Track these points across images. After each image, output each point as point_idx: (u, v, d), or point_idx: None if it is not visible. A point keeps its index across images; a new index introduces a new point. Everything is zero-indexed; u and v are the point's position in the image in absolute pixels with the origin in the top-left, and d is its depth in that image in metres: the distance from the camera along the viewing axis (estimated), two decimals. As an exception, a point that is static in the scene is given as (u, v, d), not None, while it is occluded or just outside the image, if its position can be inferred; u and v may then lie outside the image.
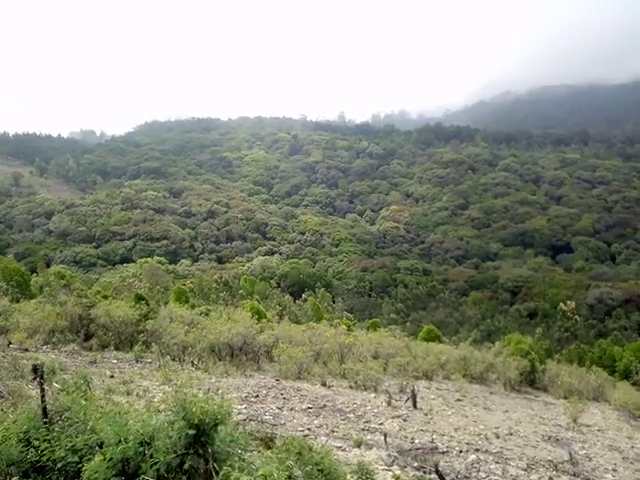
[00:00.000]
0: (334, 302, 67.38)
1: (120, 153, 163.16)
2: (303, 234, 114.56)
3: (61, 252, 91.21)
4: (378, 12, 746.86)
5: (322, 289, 68.82)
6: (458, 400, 15.78)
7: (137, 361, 16.98)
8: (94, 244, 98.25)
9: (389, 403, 13.21)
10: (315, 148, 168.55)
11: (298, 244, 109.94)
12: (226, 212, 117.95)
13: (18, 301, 28.29)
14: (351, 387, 15.64)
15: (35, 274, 50.31)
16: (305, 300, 56.89)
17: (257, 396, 12.87)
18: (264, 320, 27.87)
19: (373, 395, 14.50)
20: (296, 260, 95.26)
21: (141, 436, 4.85)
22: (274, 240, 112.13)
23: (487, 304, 78.07)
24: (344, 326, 27.63)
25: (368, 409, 12.65)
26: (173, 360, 18.24)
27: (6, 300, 25.68)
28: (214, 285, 53.07)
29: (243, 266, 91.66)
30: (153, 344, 19.54)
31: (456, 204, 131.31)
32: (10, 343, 17.64)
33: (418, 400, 13.41)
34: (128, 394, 10.63)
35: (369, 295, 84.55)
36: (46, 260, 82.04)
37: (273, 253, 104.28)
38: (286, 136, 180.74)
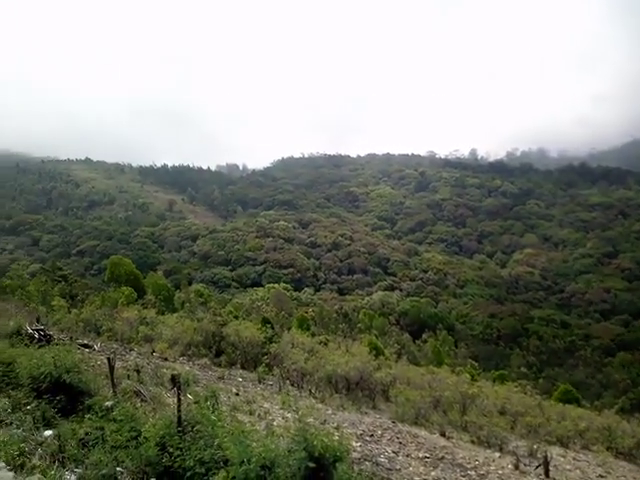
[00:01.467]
0: (456, 347, 63.70)
1: (258, 186, 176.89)
2: (426, 272, 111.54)
3: (202, 272, 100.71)
4: (513, 40, 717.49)
5: (444, 332, 65.62)
6: (601, 477, 13.56)
7: (260, 382, 17.61)
8: (230, 267, 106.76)
9: (516, 467, 11.83)
10: (443, 185, 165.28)
11: (420, 282, 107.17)
12: (349, 245, 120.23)
13: (163, 313, 31.64)
14: (473, 442, 14.36)
15: (178, 290, 56.05)
16: (425, 341, 54.76)
17: (372, 435, 12.48)
18: (382, 357, 27.30)
19: (498, 454, 13.14)
20: (417, 298, 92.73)
21: (263, 460, 4.93)
22: (395, 276, 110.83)
23: (639, 369, 67.14)
24: (467, 374, 25.86)
25: (492, 469, 11.46)
26: (292, 385, 18.60)
27: (153, 312, 28.87)
28: (334, 315, 53.76)
29: (363, 299, 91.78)
30: (275, 367, 20.19)
31: (603, 251, 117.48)
32: (153, 351, 19.64)
33: (551, 468, 11.80)
34: (251, 414, 11.01)
35: (496, 344, 78.23)
36: (188, 279, 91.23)
37: (393, 289, 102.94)
38: (413, 173, 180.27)
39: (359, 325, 49.43)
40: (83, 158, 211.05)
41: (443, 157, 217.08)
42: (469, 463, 11.59)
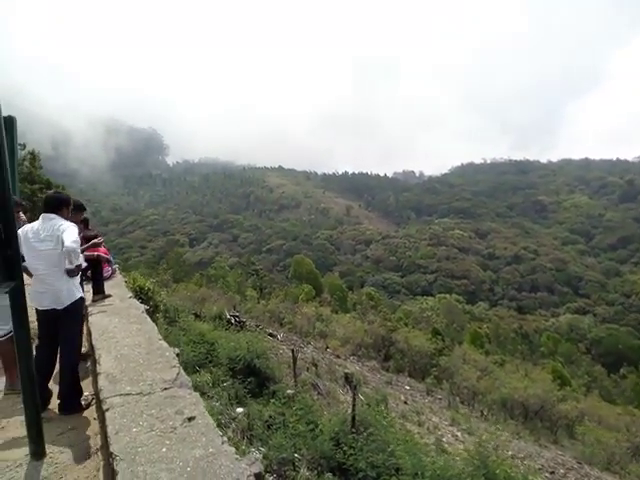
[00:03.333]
0: (668, 389, 52.84)
1: (434, 192, 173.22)
2: (628, 297, 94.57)
3: (373, 276, 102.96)
4: None
5: (650, 368, 55.00)
6: None
7: (428, 393, 17.17)
8: (400, 273, 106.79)
9: None
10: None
11: (620, 307, 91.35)
12: (533, 259, 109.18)
13: (337, 312, 33.25)
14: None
15: (351, 292, 58.25)
16: (624, 377, 46.82)
17: (553, 473, 11.19)
18: (567, 388, 24.34)
19: None
20: (615, 326, 79.31)
21: (437, 477, 4.73)
22: (588, 298, 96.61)
23: None
24: (683, 424, 21.30)
25: None
26: (462, 403, 17.73)
27: (328, 310, 30.57)
28: (512, 335, 49.52)
29: (547, 321, 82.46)
30: (444, 381, 19.49)
31: None
32: (327, 347, 20.71)
33: None
34: (419, 425, 10.79)
35: None
36: (361, 281, 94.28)
37: (585, 312, 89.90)
38: (618, 181, 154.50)
39: (541, 349, 44.68)
40: (277, 166, 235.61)
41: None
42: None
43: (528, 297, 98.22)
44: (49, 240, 3.70)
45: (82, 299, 4.00)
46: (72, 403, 3.66)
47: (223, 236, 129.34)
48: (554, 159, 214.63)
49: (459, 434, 11.61)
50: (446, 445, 9.60)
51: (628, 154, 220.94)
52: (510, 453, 11.27)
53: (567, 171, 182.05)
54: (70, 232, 3.75)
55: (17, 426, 3.40)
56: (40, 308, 3.73)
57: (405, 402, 13.87)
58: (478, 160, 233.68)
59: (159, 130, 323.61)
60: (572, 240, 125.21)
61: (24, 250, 3.64)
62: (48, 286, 3.70)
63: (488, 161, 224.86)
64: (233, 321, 15.90)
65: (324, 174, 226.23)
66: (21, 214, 4.84)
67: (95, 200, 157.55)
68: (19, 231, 3.55)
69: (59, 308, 3.71)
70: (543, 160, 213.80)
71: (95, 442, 3.11)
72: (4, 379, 4.15)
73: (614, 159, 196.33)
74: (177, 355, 3.40)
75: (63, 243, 3.67)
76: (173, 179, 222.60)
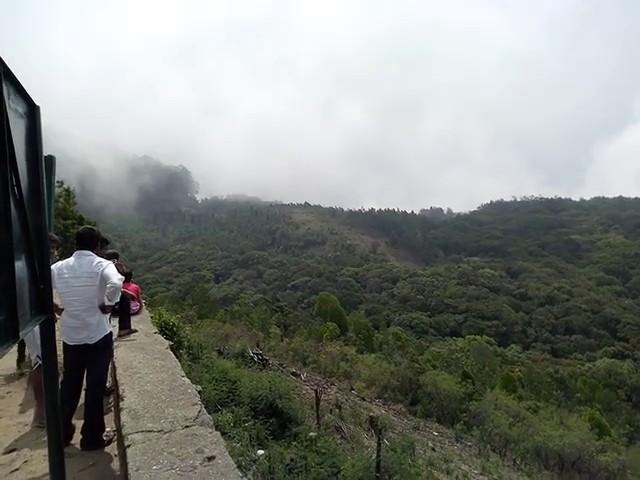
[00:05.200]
0: None
1: (462, 230, 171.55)
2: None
3: (399, 315, 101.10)
4: None
5: (700, 420, 51.47)
6: None
7: (457, 440, 16.51)
8: (428, 313, 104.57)
9: None
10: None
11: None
12: (568, 300, 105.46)
13: (362, 352, 32.63)
14: None
15: (377, 331, 57.28)
16: (670, 429, 43.88)
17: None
18: (607, 437, 22.97)
19: None
20: (658, 372, 75.26)
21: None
22: (627, 342, 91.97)
23: None
24: None
25: None
26: (493, 451, 16.96)
27: (353, 350, 30.04)
28: (547, 379, 47.41)
29: (582, 365, 78.64)
30: (474, 427, 18.72)
31: None
32: (352, 388, 20.26)
33: None
34: (448, 473, 10.32)
35: None
36: (387, 320, 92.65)
37: (624, 357, 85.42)
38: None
39: (577, 395, 42.50)
40: (302, 202, 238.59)
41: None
42: None
43: (563, 340, 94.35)
44: (86, 276, 3.81)
45: (111, 334, 4.09)
46: (94, 439, 3.67)
47: (248, 272, 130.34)
48: (586, 197, 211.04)
49: (490, 485, 11.04)
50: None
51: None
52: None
53: (601, 210, 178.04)
54: (112, 269, 3.91)
55: (40, 460, 3.42)
56: (71, 343, 3.79)
57: (433, 449, 13.32)
58: (507, 197, 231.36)
59: (188, 167, 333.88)
60: (608, 281, 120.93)
61: (59, 286, 3.74)
62: (81, 321, 3.78)
63: (518, 199, 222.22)
64: (256, 359, 15.81)
65: (350, 210, 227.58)
66: (54, 250, 5.01)
67: (125, 236, 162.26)
68: (53, 267, 3.68)
69: (91, 343, 3.78)
70: (575, 198, 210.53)
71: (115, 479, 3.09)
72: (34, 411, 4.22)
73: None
74: (199, 392, 3.39)
75: (107, 279, 3.80)
76: (201, 215, 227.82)
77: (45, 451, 3.19)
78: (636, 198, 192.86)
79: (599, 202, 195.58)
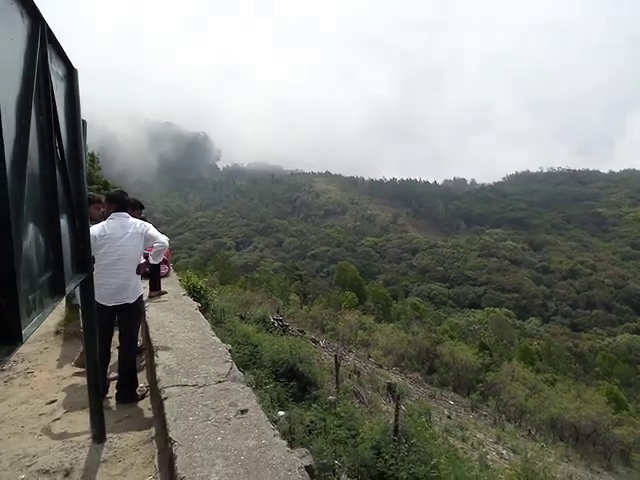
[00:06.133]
0: None
1: (486, 202, 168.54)
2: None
3: (418, 286, 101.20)
4: None
5: None
6: None
7: (472, 409, 16.71)
8: (447, 284, 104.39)
9: None
10: None
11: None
12: (591, 274, 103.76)
13: (380, 321, 32.93)
14: None
15: (395, 301, 57.54)
16: (689, 404, 43.59)
17: (605, 502, 10.58)
18: (624, 412, 22.98)
19: None
20: (681, 349, 74.20)
21: (481, 493, 4.62)
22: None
23: None
24: None
25: None
26: (508, 421, 17.14)
27: (372, 319, 30.34)
28: (565, 353, 47.25)
29: (602, 340, 77.96)
30: (490, 397, 18.92)
31: None
32: (369, 356, 20.57)
33: None
34: (463, 440, 10.52)
35: None
36: (405, 291, 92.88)
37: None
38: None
39: (596, 369, 42.34)
40: (324, 172, 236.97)
41: None
42: None
43: (583, 314, 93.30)
44: (131, 237, 3.90)
45: (142, 295, 4.23)
46: (129, 393, 3.85)
47: (268, 240, 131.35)
48: (615, 169, 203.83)
49: (504, 452, 11.23)
50: (490, 462, 9.31)
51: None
52: (559, 476, 10.79)
53: (630, 182, 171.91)
54: (156, 230, 4.03)
55: (79, 410, 3.64)
56: (110, 304, 3.84)
57: (449, 417, 13.56)
58: (534, 168, 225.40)
59: (211, 134, 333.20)
60: (633, 255, 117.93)
61: (104, 246, 3.81)
62: (124, 281, 3.87)
63: (545, 170, 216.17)
64: (276, 324, 16.11)
65: (371, 180, 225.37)
66: (99, 211, 5.11)
67: (148, 202, 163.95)
68: (95, 227, 3.80)
69: (131, 302, 3.91)
70: (604, 170, 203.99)
71: (150, 430, 3.27)
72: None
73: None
74: (229, 351, 3.52)
75: (155, 239, 3.94)
76: (222, 183, 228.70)
77: (83, 403, 3.40)
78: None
79: (629, 175, 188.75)
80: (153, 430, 3.22)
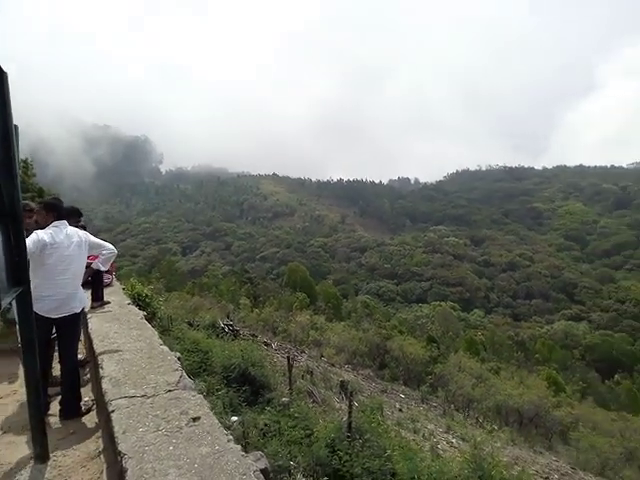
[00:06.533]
0: (660, 395, 53.27)
1: (429, 200, 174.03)
2: (623, 303, 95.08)
3: (368, 284, 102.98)
4: None
5: (644, 374, 55.31)
6: None
7: (423, 401, 17.21)
8: (395, 281, 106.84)
9: None
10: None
11: (614, 314, 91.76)
12: (529, 266, 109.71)
13: (331, 321, 33.22)
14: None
15: (346, 300, 58.23)
16: (618, 383, 47.07)
17: (547, 478, 11.31)
18: (562, 394, 24.48)
19: None
20: (610, 332, 79.89)
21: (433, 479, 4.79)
22: (583, 304, 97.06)
23: None
24: (676, 430, 21.51)
25: None
26: (457, 411, 17.78)
27: (323, 318, 30.53)
28: (507, 342, 49.67)
29: (541, 328, 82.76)
30: (439, 389, 19.54)
31: None
32: (322, 356, 20.71)
33: None
34: (415, 432, 10.82)
35: None
36: (355, 289, 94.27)
37: (580, 319, 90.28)
38: (612, 188, 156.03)
39: (536, 356, 44.80)
40: (271, 173, 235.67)
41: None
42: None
43: (523, 304, 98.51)
44: (76, 246, 3.76)
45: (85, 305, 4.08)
46: (73, 408, 3.70)
47: (216, 244, 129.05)
48: (549, 165, 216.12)
49: (454, 441, 11.66)
50: (441, 452, 9.66)
51: (622, 160, 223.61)
52: (505, 459, 11.34)
53: (562, 178, 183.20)
54: (97, 239, 3.89)
55: (18, 431, 3.45)
56: (55, 316, 3.65)
57: (400, 410, 13.90)
58: (473, 166, 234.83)
59: (152, 137, 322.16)
60: (567, 247, 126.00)
61: (47, 256, 3.61)
62: (72, 291, 3.73)
63: (483, 168, 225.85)
64: (227, 330, 15.90)
65: (319, 181, 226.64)
66: (31, 220, 4.83)
67: (86, 209, 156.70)
68: (35, 237, 3.59)
69: (77, 312, 3.77)
70: (538, 167, 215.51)
71: (97, 445, 3.16)
72: None
73: (608, 166, 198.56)
74: (178, 359, 3.46)
75: (101, 247, 3.81)
76: (165, 187, 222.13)
77: (23, 422, 3.24)
78: (595, 166, 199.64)
79: (560, 170, 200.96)
80: (100, 445, 3.12)
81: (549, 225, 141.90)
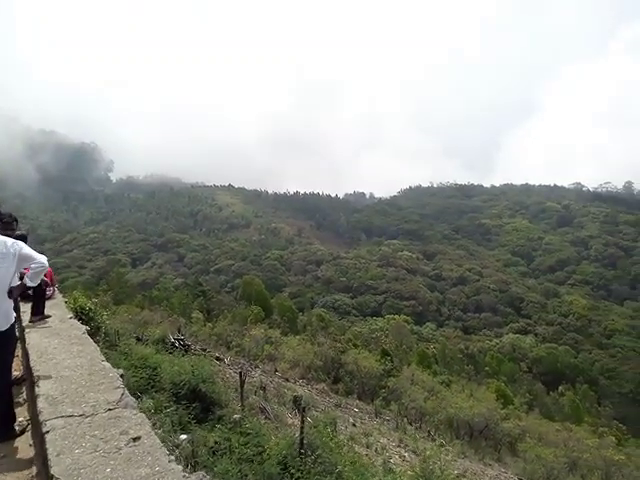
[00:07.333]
0: (599, 405, 56.05)
1: (384, 214, 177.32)
2: (566, 317, 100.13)
3: (323, 297, 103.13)
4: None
5: (585, 386, 58.16)
6: None
7: (376, 415, 17.30)
8: (350, 294, 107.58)
9: None
10: (590, 221, 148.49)
11: (558, 327, 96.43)
12: (478, 280, 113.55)
13: (286, 334, 33.01)
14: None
15: (301, 313, 58.11)
16: (562, 394, 49.28)
17: (495, 491, 11.50)
18: (510, 406, 25.32)
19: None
20: (554, 345, 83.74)
21: (383, 496, 4.79)
22: (529, 318, 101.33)
23: None
24: (613, 438, 22.71)
25: None
26: (410, 424, 17.96)
27: (278, 332, 30.30)
28: (458, 355, 50.98)
29: (490, 341, 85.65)
30: (392, 402, 19.71)
31: None
32: (276, 370, 20.48)
33: None
34: (367, 447, 10.84)
35: (651, 407, 66.81)
36: (311, 302, 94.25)
37: (527, 332, 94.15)
38: (555, 206, 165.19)
39: (486, 369, 46.17)
40: (226, 184, 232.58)
41: (592, 190, 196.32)
42: None
43: (473, 317, 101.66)
44: (4, 258, 3.44)
45: (16, 320, 3.81)
46: (5, 430, 3.45)
47: (168, 256, 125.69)
48: (497, 183, 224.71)
49: (406, 455, 11.75)
50: (393, 466, 9.70)
51: (564, 180, 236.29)
52: (455, 472, 11.52)
53: (509, 196, 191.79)
54: (30, 249, 3.62)
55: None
56: None
57: (354, 424, 13.90)
58: (425, 183, 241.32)
59: (101, 145, 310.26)
60: (514, 262, 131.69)
61: None
62: None
63: (435, 185, 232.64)
64: (177, 345, 15.46)
65: (275, 193, 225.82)
66: None
67: (30, 217, 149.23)
68: None
69: (3, 330, 3.49)
70: (486, 184, 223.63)
71: (30, 470, 2.96)
72: None
73: (552, 185, 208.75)
74: (121, 376, 3.32)
75: (32, 259, 3.53)
76: (115, 195, 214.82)
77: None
78: (540, 185, 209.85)
79: (507, 188, 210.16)
80: (34, 469, 2.93)
81: (497, 241, 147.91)
